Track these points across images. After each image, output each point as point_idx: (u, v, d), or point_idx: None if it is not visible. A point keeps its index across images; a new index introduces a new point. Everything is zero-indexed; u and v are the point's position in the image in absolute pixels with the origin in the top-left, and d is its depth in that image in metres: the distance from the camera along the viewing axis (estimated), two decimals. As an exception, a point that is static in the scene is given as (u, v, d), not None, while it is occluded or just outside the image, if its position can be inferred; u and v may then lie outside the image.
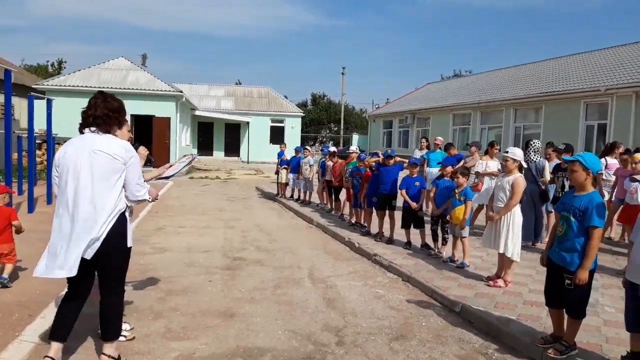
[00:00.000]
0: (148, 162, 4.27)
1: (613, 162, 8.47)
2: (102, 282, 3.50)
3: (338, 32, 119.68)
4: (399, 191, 7.65)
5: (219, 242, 8.30)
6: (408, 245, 7.51)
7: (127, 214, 3.46)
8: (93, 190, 3.25)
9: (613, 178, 8.14)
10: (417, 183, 7.43)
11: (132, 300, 5.10)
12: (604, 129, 16.74)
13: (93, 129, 3.37)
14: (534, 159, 7.58)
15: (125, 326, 4.23)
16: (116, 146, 3.32)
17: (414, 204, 7.34)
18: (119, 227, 3.35)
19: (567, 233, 3.76)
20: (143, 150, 4.22)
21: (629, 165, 7.29)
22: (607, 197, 7.72)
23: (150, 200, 3.60)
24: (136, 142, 4.27)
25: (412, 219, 7.44)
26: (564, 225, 3.81)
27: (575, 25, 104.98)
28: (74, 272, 3.22)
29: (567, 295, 3.74)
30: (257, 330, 4.45)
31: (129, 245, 3.47)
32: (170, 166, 4.57)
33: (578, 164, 3.75)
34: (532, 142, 7.85)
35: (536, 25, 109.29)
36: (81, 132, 3.42)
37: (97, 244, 3.27)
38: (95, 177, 3.26)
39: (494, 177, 8.29)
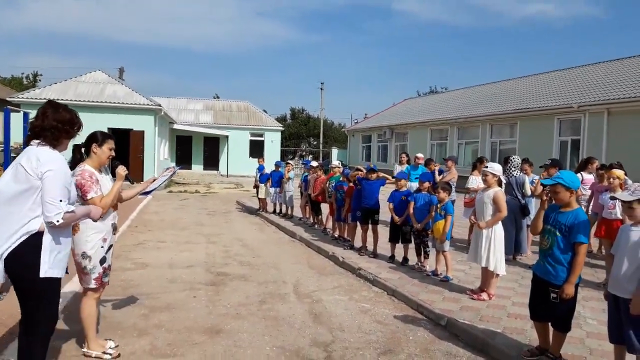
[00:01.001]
0: (126, 180, 4.14)
1: (588, 177, 8.69)
2: (23, 313, 3.10)
3: (315, 48, 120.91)
4: (387, 204, 7.67)
5: (201, 257, 8.21)
6: (391, 259, 7.55)
7: (47, 239, 3.01)
8: (1, 205, 2.98)
9: (588, 192, 8.37)
10: (404, 197, 7.44)
11: (115, 317, 5.01)
12: (577, 145, 17.21)
13: (37, 141, 3.10)
14: (515, 174, 7.74)
15: (109, 344, 4.16)
16: (33, 158, 2.99)
17: (396, 218, 7.40)
18: (27, 250, 2.95)
19: (552, 247, 3.85)
20: (122, 170, 4.02)
21: (604, 180, 7.49)
22: (583, 211, 7.90)
23: (58, 223, 2.97)
24: (116, 161, 4.17)
25: (399, 233, 7.46)
26: (549, 240, 3.90)
27: (549, 44, 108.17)
28: None
29: (553, 309, 3.82)
30: (244, 347, 4.40)
31: (42, 275, 2.97)
32: (154, 180, 4.51)
33: (560, 185, 3.85)
34: (512, 158, 8.03)
35: (509, 43, 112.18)
36: (28, 144, 3.14)
37: None
38: (10, 191, 2.97)
39: None
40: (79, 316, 4.05)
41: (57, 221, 2.95)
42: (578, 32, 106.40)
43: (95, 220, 3.56)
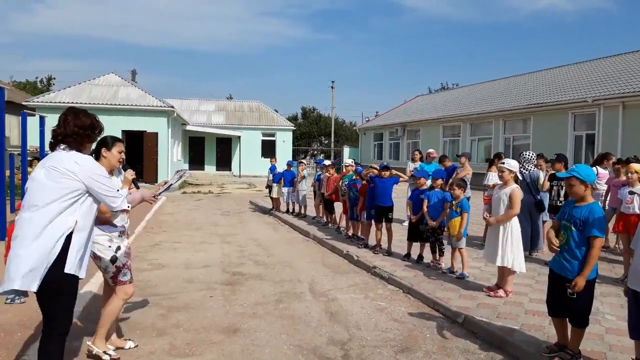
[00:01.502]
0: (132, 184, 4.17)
1: (604, 172, 8.62)
2: (44, 315, 3.11)
3: (323, 47, 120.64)
4: (400, 202, 7.64)
5: (216, 257, 8.27)
6: (407, 257, 7.54)
7: (75, 237, 3.05)
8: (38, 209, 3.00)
9: (604, 187, 8.29)
10: (421, 195, 7.33)
11: (134, 317, 5.07)
12: (592, 139, 17.01)
13: (63, 146, 3.16)
14: (528, 169, 7.69)
15: (129, 343, 4.22)
16: (71, 162, 3.06)
17: (412, 216, 7.39)
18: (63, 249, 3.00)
19: (569, 242, 3.83)
20: (129, 174, 4.07)
21: (621, 174, 7.40)
22: (599, 206, 7.83)
23: (129, 207, 3.28)
24: (126, 165, 4.22)
25: (417, 232, 7.38)
26: (565, 235, 3.88)
27: (560, 38, 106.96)
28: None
29: (570, 305, 3.79)
30: (262, 346, 4.44)
31: (66, 270, 3.01)
32: (165, 182, 4.55)
33: (575, 179, 3.83)
34: (524, 153, 7.99)
35: (520, 38, 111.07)
36: (52, 151, 3.20)
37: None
38: (44, 195, 3.00)
39: None
40: (101, 311, 4.07)
41: (128, 206, 3.26)
42: (589, 27, 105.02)
43: (151, 203, 3.72)
